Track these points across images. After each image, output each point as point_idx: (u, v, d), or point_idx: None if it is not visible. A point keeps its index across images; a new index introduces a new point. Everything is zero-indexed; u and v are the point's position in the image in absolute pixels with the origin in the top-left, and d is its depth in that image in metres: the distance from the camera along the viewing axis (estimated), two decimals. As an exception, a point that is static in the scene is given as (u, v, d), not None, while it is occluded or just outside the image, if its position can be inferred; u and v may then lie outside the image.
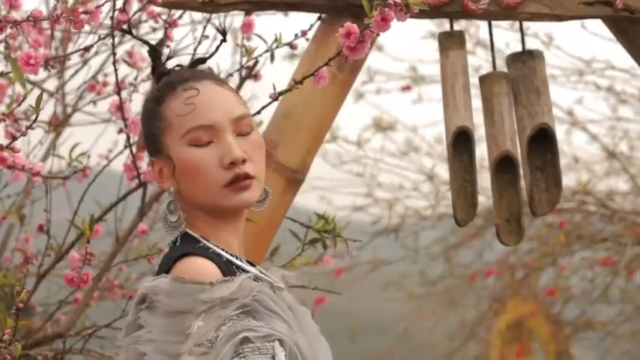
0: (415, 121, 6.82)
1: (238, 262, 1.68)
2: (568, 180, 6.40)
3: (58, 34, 3.29)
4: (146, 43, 1.83)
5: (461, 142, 2.51)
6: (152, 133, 1.73)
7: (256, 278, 1.66)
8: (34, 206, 3.27)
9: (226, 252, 1.69)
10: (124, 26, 1.92)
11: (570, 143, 6.59)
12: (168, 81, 1.76)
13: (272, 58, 2.50)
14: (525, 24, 2.81)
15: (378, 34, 1.89)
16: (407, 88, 6.49)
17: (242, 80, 2.73)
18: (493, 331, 7.41)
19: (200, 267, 1.62)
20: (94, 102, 3.34)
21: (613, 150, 6.55)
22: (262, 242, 2.40)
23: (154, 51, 1.81)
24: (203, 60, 1.82)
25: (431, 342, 7.88)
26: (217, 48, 2.07)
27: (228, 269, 1.64)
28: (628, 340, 6.80)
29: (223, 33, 1.97)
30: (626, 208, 6.23)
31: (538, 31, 4.89)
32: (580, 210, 6.15)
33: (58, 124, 3.34)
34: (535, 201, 2.55)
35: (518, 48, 2.66)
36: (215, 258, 1.64)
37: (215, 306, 1.56)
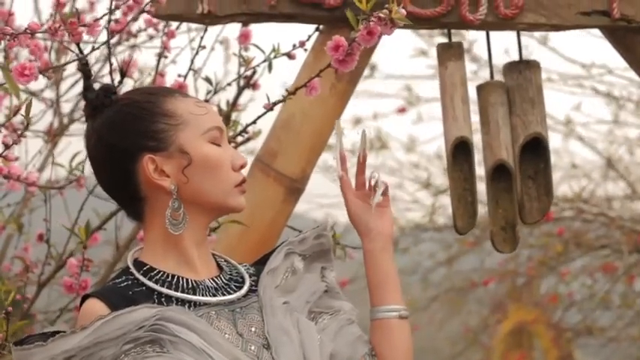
0: (413, 137, 6.83)
1: (160, 289, 1.64)
2: (566, 188, 6.42)
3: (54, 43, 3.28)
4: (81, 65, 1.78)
5: (460, 152, 2.53)
6: (156, 129, 1.67)
7: (179, 300, 1.63)
8: (33, 215, 3.27)
9: (158, 277, 1.66)
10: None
11: (568, 151, 6.60)
12: (154, 89, 1.81)
13: (270, 68, 2.51)
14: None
15: (366, 47, 1.89)
16: (402, 110, 6.51)
17: (240, 90, 2.74)
18: (495, 337, 7.42)
19: (85, 312, 1.62)
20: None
21: (610, 157, 6.55)
22: (263, 251, 2.40)
23: (86, 68, 1.76)
24: (113, 87, 1.74)
25: (433, 347, 7.89)
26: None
27: (134, 301, 1.60)
28: (629, 345, 6.81)
29: (122, 73, 1.97)
30: (624, 215, 6.23)
31: (533, 33, 4.88)
32: (579, 218, 6.15)
33: (55, 134, 3.35)
34: (526, 209, 2.58)
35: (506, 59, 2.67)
36: (120, 293, 1.62)
37: (75, 356, 1.54)
